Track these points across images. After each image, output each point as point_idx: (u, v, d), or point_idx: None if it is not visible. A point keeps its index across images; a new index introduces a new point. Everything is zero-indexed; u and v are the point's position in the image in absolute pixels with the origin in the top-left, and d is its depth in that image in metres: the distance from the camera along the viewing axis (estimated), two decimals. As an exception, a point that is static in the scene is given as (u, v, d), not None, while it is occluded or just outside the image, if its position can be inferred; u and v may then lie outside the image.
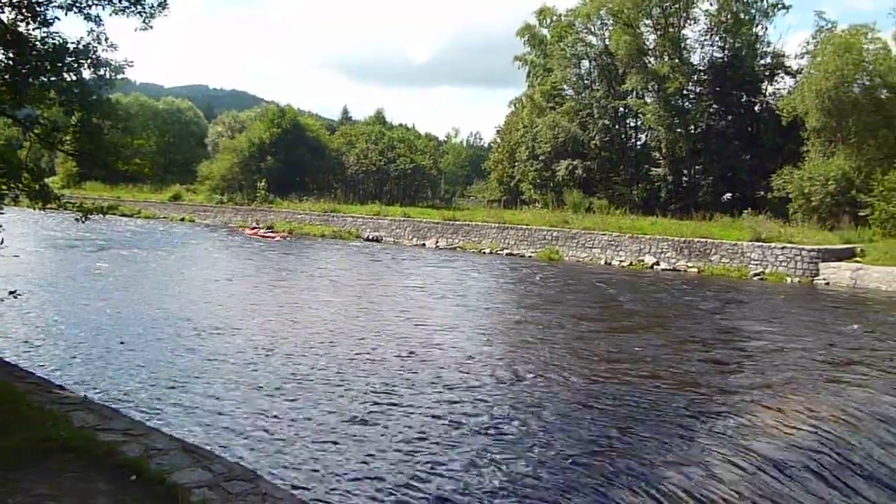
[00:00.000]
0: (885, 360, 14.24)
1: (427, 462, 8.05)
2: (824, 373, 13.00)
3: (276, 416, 9.65)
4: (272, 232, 46.81)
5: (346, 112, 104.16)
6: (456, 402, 10.39)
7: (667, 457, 8.33)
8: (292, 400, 10.37)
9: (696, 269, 31.57)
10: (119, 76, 8.84)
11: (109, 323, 15.77)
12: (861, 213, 35.62)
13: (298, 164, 63.67)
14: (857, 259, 29.30)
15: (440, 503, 6.99)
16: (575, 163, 52.96)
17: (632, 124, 56.86)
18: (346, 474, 7.72)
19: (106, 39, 8.64)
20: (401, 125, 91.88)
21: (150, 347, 13.51)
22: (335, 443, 8.67)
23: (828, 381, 12.33)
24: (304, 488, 7.29)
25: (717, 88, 50.69)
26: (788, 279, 29.08)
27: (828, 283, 28.07)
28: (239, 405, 10.11)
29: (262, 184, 58.45)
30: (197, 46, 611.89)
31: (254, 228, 48.28)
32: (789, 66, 50.66)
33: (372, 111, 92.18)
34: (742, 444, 8.86)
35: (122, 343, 13.69)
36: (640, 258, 33.56)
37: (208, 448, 7.32)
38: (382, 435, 8.92)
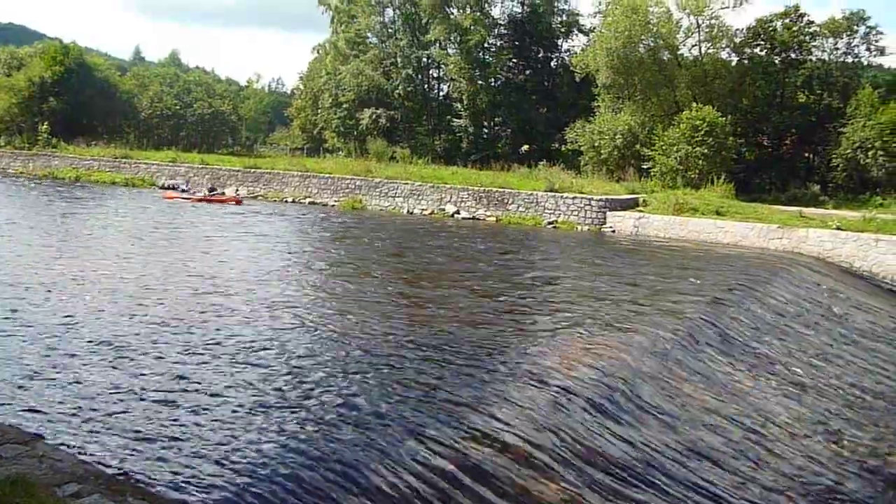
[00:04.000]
0: (659, 300, 15.38)
1: (221, 419, 7.81)
2: (604, 313, 13.85)
3: (54, 379, 8.98)
4: (217, 196, 36.04)
5: (138, 52, 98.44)
6: (259, 354, 10.14)
7: (462, 398, 8.55)
8: (72, 364, 9.65)
9: (494, 218, 32.62)
10: None
11: None
12: (644, 166, 38.19)
13: (86, 107, 59.10)
14: (640, 208, 31.40)
15: (234, 462, 6.79)
16: (379, 112, 52.88)
17: (435, 75, 57.40)
18: (132, 434, 7.32)
19: None
20: (198, 68, 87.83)
21: None
22: (123, 402, 8.20)
23: (606, 321, 13.14)
24: (84, 449, 6.83)
25: (517, 43, 52.32)
26: (579, 227, 30.70)
27: (614, 231, 29.94)
28: (17, 369, 9.32)
29: (45, 127, 53.78)
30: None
31: (183, 190, 37.08)
32: (583, 25, 53.13)
33: (167, 52, 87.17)
34: (531, 384, 9.24)
35: None
36: (442, 207, 34.20)
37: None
38: (179, 394, 8.55)
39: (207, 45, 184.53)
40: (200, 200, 34.69)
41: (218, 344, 10.26)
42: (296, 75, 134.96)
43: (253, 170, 41.46)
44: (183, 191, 36.85)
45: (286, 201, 37.66)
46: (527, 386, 9.07)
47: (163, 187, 37.97)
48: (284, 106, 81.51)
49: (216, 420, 7.51)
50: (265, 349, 10.13)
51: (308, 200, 37.56)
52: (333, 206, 36.27)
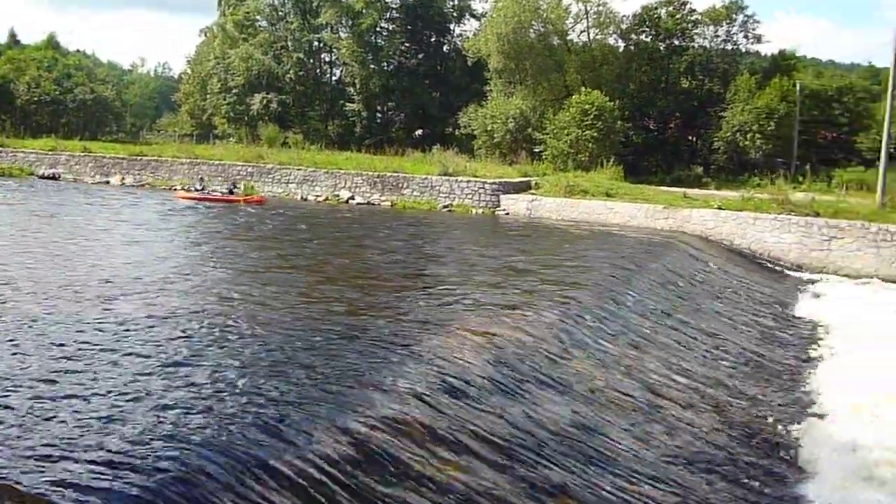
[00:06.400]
0: (548, 282, 15.65)
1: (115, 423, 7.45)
2: (499, 294, 13.98)
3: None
4: (236, 195, 31.94)
5: (13, 35, 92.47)
6: (151, 349, 9.73)
7: (360, 384, 8.43)
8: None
9: (389, 203, 32.47)
10: None
11: None
12: (536, 150, 38.82)
13: (-46, 93, 55.71)
14: (533, 191, 31.85)
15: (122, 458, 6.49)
16: (270, 96, 51.84)
17: (327, 59, 56.74)
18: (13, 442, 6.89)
19: None
20: (79, 52, 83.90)
21: None
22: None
23: (502, 304, 13.26)
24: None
25: (409, 27, 52.23)
26: (474, 210, 30.90)
27: (508, 213, 30.28)
28: None
29: None
30: None
31: (197, 190, 32.78)
32: (475, 9, 53.64)
33: (44, 35, 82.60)
34: (432, 367, 9.21)
35: None
36: (336, 193, 33.81)
37: None
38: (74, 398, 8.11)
39: (88, 28, 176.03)
40: (218, 201, 30.93)
41: (113, 347, 9.79)
42: (183, 59, 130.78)
43: (139, 157, 39.98)
44: (197, 190, 32.84)
45: (175, 189, 36.45)
46: (422, 367, 9.03)
47: (188, 189, 33.06)
48: (172, 91, 78.86)
49: (103, 420, 7.17)
50: (162, 341, 9.75)
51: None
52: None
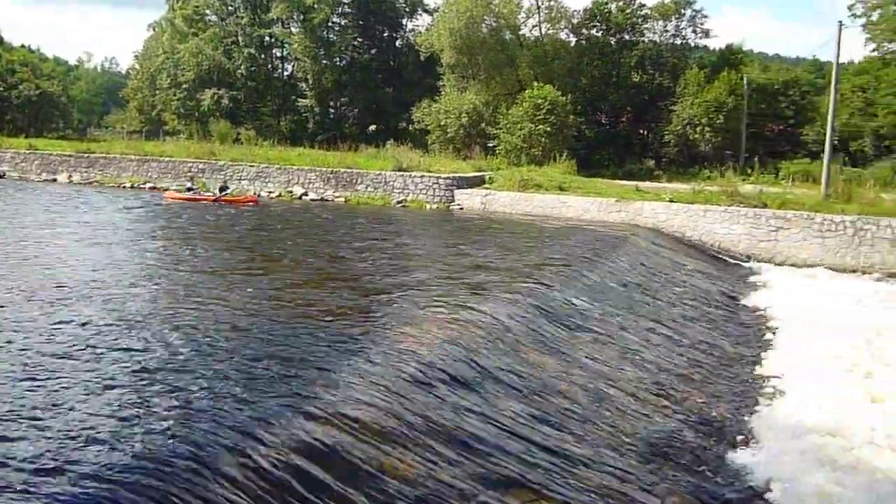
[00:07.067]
0: (503, 277, 15.76)
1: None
2: (454, 289, 14.03)
3: None
4: (228, 196, 30.33)
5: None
6: (99, 345, 9.58)
7: (317, 382, 8.41)
8: None
9: (343, 199, 32.31)
10: None
11: None
12: (490, 144, 38.97)
13: None
14: (487, 186, 31.95)
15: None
16: (221, 92, 51.31)
17: (278, 54, 56.35)
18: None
19: None
20: (23, 47, 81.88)
21: None
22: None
23: (459, 299, 13.31)
24: None
25: (361, 22, 52.09)
26: (428, 205, 30.89)
27: (462, 208, 30.34)
28: None
29: None
30: None
31: (189, 189, 31.35)
32: (427, 4, 53.73)
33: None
34: (388, 362, 9.22)
35: None
36: (289, 189, 33.56)
37: None
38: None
39: (33, 23, 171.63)
40: (212, 201, 29.45)
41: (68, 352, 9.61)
42: (131, 55, 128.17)
43: (87, 154, 39.23)
44: (189, 189, 31.33)
45: (124, 187, 35.87)
46: (379, 362, 9.04)
47: (183, 191, 31.58)
48: (119, 87, 77.53)
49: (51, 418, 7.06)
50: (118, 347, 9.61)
51: (149, 186, 35.87)
52: (176, 189, 34.78)
